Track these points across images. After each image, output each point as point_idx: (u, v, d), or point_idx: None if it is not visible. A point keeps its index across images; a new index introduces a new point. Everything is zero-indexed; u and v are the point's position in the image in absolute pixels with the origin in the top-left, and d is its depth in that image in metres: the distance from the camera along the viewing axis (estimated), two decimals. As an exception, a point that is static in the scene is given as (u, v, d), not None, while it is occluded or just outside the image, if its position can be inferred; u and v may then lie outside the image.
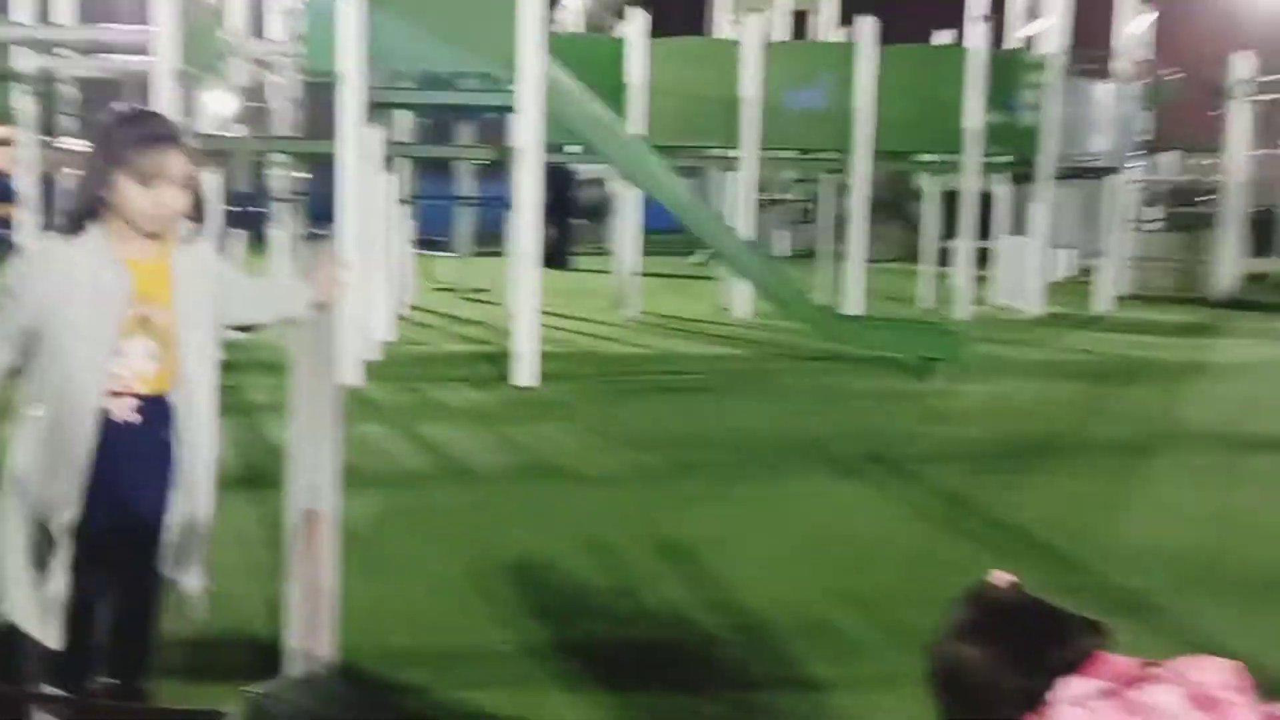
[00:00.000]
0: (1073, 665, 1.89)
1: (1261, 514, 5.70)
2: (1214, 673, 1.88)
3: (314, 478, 3.21)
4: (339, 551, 3.35)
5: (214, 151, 10.32)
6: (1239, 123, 18.68)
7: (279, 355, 3.31)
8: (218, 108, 11.30)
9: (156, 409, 2.90)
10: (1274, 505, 5.87)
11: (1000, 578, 1.98)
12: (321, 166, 9.94)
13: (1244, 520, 5.59)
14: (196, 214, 2.89)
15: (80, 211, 2.85)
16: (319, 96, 14.88)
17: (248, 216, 8.01)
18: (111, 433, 2.85)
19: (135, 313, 2.85)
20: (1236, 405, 8.87)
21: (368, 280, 9.71)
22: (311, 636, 3.20)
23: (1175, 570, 4.78)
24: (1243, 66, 18.79)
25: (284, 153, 12.82)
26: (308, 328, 3.19)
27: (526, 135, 9.14)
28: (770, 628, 3.98)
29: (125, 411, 2.86)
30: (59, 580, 2.81)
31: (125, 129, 2.87)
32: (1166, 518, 5.59)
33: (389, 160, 11.44)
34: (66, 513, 2.81)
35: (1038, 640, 1.91)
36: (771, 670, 3.66)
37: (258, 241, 9.97)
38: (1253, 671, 4.01)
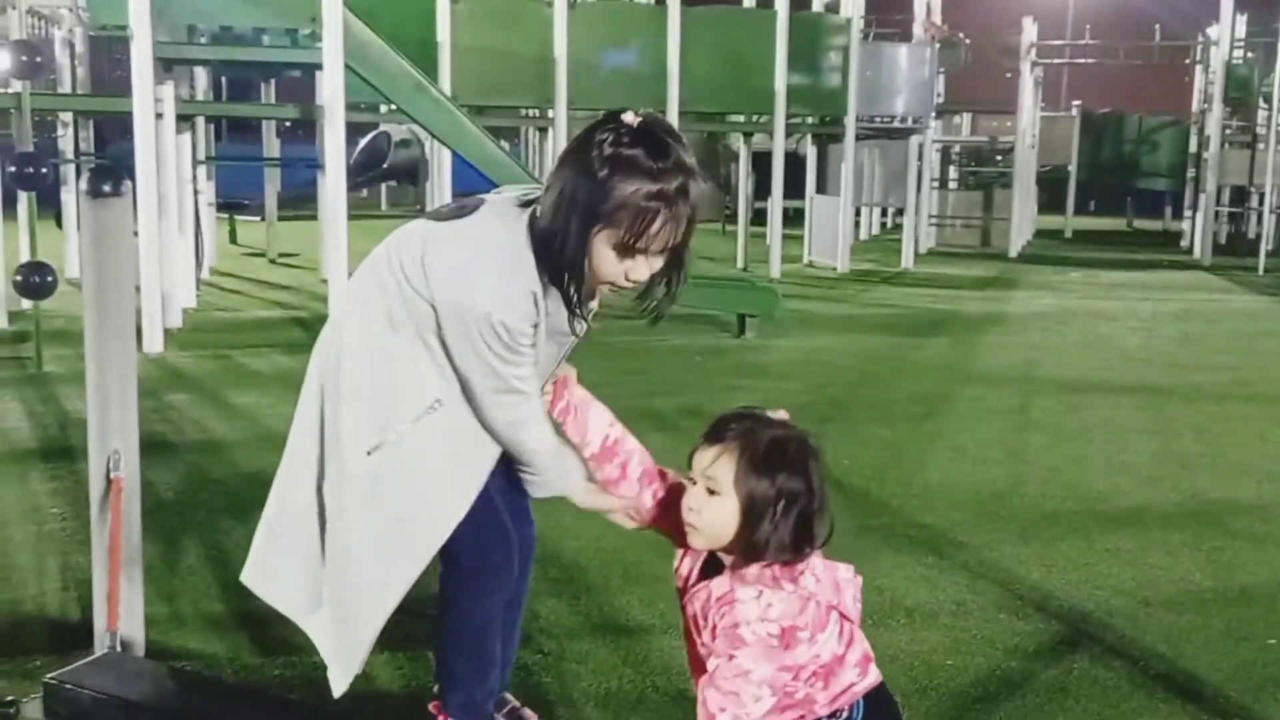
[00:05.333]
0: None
1: (1048, 453, 6.07)
2: (849, 579, 2.15)
3: (114, 444, 3.08)
4: (143, 522, 3.23)
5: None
6: (1028, 85, 19.62)
7: (74, 324, 3.18)
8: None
9: None
10: (1059, 444, 6.26)
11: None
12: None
13: (1033, 459, 5.94)
14: None
15: None
16: (109, 52, 14.15)
17: (32, 178, 7.56)
18: None
19: None
20: (1027, 352, 9.39)
21: (166, 244, 9.34)
22: (116, 612, 3.09)
23: (971, 507, 5.06)
24: (1031, 30, 19.73)
25: (70, 111, 12.16)
26: (98, 292, 3.06)
27: (330, 92, 8.90)
28: (587, 577, 4.04)
29: None
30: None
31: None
32: (963, 459, 5.89)
33: (186, 119, 10.97)
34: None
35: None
36: (589, 618, 3.72)
37: (45, 204, 9.46)
38: (1035, 594, 4.29)
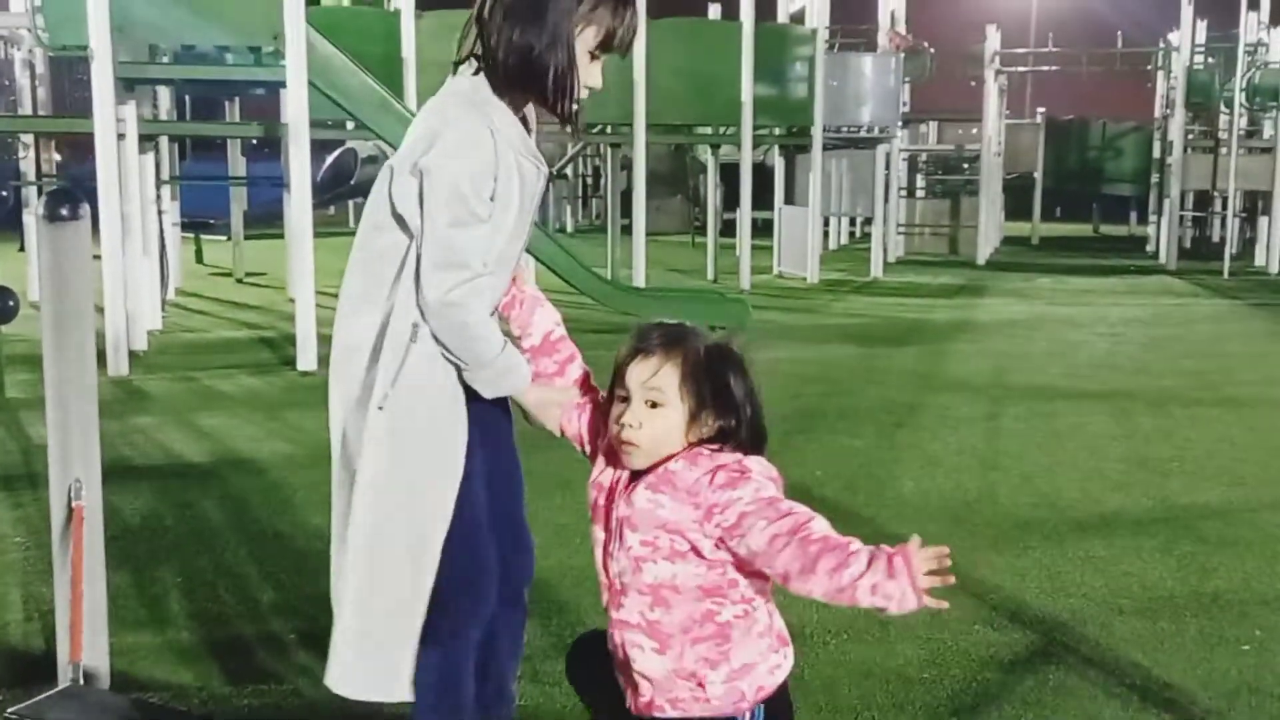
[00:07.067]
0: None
1: (1019, 460, 6.08)
2: None
3: (75, 473, 3.03)
4: (108, 548, 3.18)
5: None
6: (992, 93, 19.76)
7: (37, 349, 3.14)
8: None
9: None
10: (1030, 452, 6.27)
11: None
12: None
13: (1004, 467, 5.95)
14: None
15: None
16: (70, 73, 14.02)
17: (-8, 201, 7.48)
18: None
19: None
20: (997, 360, 9.43)
21: (130, 266, 9.24)
22: (79, 643, 3.03)
23: (943, 517, 5.06)
24: (994, 38, 19.88)
25: (31, 132, 12.05)
26: (57, 317, 3.01)
27: (295, 110, 8.84)
28: (558, 596, 4.01)
29: None
30: None
31: None
32: (935, 468, 5.89)
33: (149, 139, 10.87)
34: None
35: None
36: (561, 638, 3.68)
37: (6, 227, 9.35)
38: (1009, 604, 4.28)
